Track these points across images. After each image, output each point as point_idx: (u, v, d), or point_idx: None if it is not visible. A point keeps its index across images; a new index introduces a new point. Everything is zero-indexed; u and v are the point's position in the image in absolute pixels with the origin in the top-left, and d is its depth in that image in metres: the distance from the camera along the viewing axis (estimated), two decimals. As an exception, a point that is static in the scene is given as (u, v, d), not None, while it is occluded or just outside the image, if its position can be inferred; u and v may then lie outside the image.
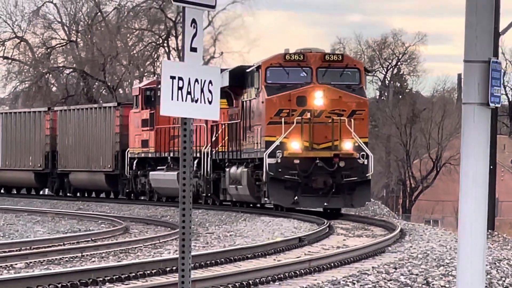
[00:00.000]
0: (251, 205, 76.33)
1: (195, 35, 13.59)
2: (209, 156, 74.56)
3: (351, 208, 72.49)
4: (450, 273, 36.19)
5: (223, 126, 77.15)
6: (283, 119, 67.31)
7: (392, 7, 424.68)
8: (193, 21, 13.66)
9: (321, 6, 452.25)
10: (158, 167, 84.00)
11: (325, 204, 68.04)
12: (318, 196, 67.55)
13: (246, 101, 72.90)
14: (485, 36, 16.95)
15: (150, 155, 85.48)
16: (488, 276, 37.55)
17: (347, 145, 67.35)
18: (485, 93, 16.30)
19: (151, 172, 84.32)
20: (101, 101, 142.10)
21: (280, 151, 67.17)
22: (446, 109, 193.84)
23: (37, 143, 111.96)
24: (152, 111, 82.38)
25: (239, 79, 75.46)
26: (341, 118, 67.09)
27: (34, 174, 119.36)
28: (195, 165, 75.40)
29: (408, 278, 38.99)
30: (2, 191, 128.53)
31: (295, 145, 67.30)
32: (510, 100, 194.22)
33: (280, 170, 67.56)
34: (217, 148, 75.81)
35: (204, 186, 77.11)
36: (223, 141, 76.09)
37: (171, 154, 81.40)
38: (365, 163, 67.44)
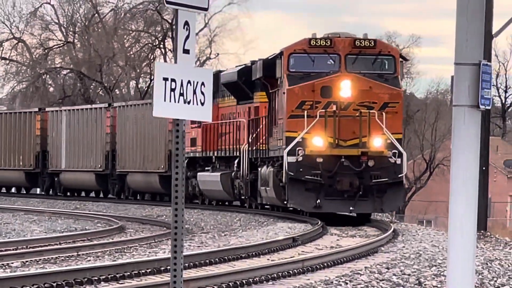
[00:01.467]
0: (280, 209, 72.39)
1: (187, 37, 13.63)
2: (246, 155, 71.82)
3: (381, 213, 69.71)
4: (442, 273, 35.88)
5: (259, 122, 73.49)
6: (305, 112, 63.85)
7: (387, 9, 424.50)
8: (186, 23, 13.71)
9: (316, 8, 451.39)
10: (206, 168, 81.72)
11: (351, 208, 64.15)
12: (343, 199, 63.87)
13: (272, 92, 69.57)
14: (475, 38, 16.97)
15: (197, 155, 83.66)
16: (480, 276, 37.68)
17: (377, 142, 64.07)
18: (475, 96, 16.33)
19: (199, 173, 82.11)
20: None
21: (301, 148, 64.14)
22: (440, 111, 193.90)
23: (98, 142, 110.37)
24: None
25: (274, 69, 69.07)
26: (371, 111, 63.97)
27: (25, 174, 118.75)
28: (235, 164, 74.20)
29: (400, 278, 39.08)
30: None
31: (318, 142, 64.13)
32: (503, 102, 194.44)
33: (301, 169, 64.24)
34: (252, 146, 72.94)
35: (244, 187, 73.97)
36: (258, 138, 72.86)
37: (216, 154, 79.61)
38: (398, 162, 63.35)
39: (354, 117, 64.08)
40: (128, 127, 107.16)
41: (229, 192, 74.49)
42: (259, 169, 70.11)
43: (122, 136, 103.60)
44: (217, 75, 77.15)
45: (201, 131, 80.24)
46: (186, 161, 79.65)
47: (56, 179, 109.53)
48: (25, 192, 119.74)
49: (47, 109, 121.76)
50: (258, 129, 70.78)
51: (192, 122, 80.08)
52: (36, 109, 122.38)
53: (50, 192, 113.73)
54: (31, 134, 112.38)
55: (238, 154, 73.39)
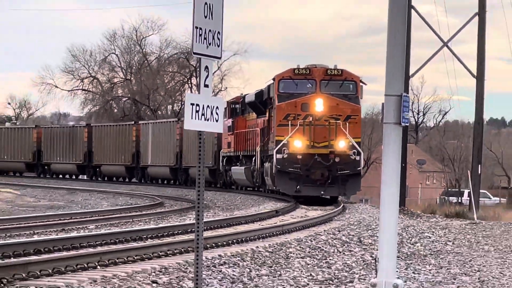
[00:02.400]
0: (279, 193, 70.01)
1: (207, 76, 13.66)
2: (259, 154, 70.03)
3: (343, 196, 68.62)
4: (375, 234, 35.98)
5: (266, 130, 71.29)
6: (289, 122, 62.92)
7: (343, 58, 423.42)
8: (206, 67, 13.72)
9: (295, 56, 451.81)
10: (236, 163, 79.75)
11: (322, 192, 62.96)
12: (316, 186, 62.82)
13: (269, 108, 68.15)
14: (398, 78, 17.47)
15: (231, 154, 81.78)
16: (400, 237, 36.90)
17: (341, 144, 62.62)
18: (398, 116, 16.73)
19: (232, 167, 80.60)
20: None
21: (286, 148, 62.96)
22: (374, 126, 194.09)
23: (171, 146, 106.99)
24: (234, 120, 79.48)
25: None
26: (337, 121, 62.83)
27: (125, 168, 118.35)
28: (253, 161, 73.00)
29: (347, 238, 38.56)
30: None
31: (298, 144, 62.99)
32: (416, 120, 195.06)
33: (286, 164, 63.10)
34: (262, 148, 70.37)
35: (258, 177, 72.32)
36: (265, 142, 70.52)
37: (242, 153, 77.76)
38: (357, 159, 62.90)
39: (325, 125, 62.89)
40: (188, 136, 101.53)
41: (250, 180, 74.17)
42: (264, 164, 68.47)
43: (185, 141, 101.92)
44: (244, 97, 78.65)
45: (234, 137, 79.09)
46: (225, 159, 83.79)
47: (145, 171, 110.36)
48: (127, 181, 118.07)
49: (139, 122, 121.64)
50: (265, 135, 69.53)
51: (229, 130, 79.62)
52: (132, 122, 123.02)
53: (142, 180, 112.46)
54: (129, 139, 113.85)
55: (254, 154, 72.07)
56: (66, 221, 44.74)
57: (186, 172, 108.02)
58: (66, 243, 28.65)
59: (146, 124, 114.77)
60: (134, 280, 20.79)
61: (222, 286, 22.03)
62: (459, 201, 70.09)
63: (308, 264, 28.97)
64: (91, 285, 19.58)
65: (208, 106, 13.35)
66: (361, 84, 64.54)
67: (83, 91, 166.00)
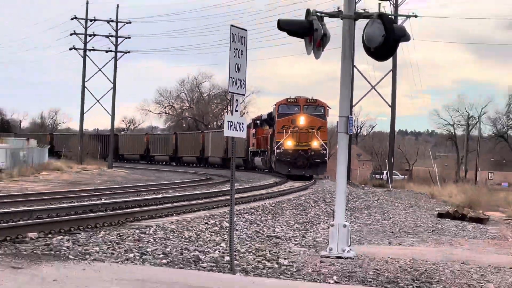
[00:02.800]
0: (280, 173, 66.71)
1: (237, 105, 13.58)
2: (269, 149, 67.05)
3: (315, 175, 64.61)
4: (333, 196, 34.48)
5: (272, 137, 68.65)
6: (284, 130, 61.84)
7: (312, 94, 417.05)
8: (236, 100, 13.65)
9: (288, 94, 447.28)
10: (257, 156, 76.20)
11: (303, 172, 61.42)
12: (300, 168, 61.46)
13: (273, 123, 64.96)
14: (346, 104, 17.44)
15: (254, 150, 78.08)
16: (347, 198, 34.68)
17: (315, 144, 61.39)
18: (346, 128, 16.59)
19: (255, 158, 76.99)
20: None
21: (282, 146, 62.03)
22: (333, 134, 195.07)
23: (221, 145, 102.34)
24: (256, 129, 76.13)
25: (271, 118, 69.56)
26: (313, 130, 61.51)
27: (196, 158, 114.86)
28: (266, 154, 70.37)
29: (317, 198, 38.57)
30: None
31: (289, 143, 61.67)
32: (357, 131, 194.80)
33: (281, 155, 62.24)
34: (270, 146, 67.45)
35: (268, 163, 69.47)
36: (272, 143, 66.40)
37: (261, 149, 74.38)
38: (324, 153, 62.31)
39: (305, 132, 61.41)
40: (228, 139, 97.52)
41: (264, 165, 71.01)
42: (271, 156, 65.62)
43: (228, 143, 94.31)
44: (261, 116, 75.74)
45: (256, 140, 76.79)
46: (251, 153, 79.96)
47: (207, 160, 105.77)
48: (196, 166, 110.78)
49: (204, 131, 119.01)
50: (272, 139, 66.59)
51: (253, 136, 77.40)
52: (200, 131, 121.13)
53: (205, 166, 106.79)
54: (198, 141, 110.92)
55: (266, 150, 69.35)
56: (155, 188, 44.77)
57: (229, 161, 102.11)
58: (155, 201, 29.63)
59: (207, 132, 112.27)
60: (195, 222, 21.34)
61: (245, 225, 22.78)
62: (381, 177, 70.69)
63: (294, 213, 29.53)
64: (169, 224, 20.07)
65: (237, 122, 13.15)
66: (327, 108, 63.36)
67: (166, 114, 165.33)
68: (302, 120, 62.66)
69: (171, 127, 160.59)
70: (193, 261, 13.73)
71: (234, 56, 13.29)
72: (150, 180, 61.81)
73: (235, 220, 15.76)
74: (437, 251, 19.73)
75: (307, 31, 15.56)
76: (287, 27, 15.88)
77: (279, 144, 62.87)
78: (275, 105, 65.86)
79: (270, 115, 69.99)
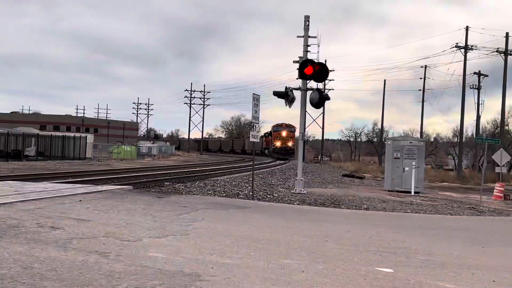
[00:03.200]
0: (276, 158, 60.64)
1: (256, 127, 13.68)
2: (270, 147, 62.82)
3: (289, 158, 58.03)
4: (296, 167, 29.02)
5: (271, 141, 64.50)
6: (276, 138, 59.86)
7: (277, 114, 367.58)
8: (254, 125, 13.70)
9: (279, 121, 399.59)
10: (266, 150, 67.72)
11: (286, 157, 57.73)
12: (283, 155, 58.52)
13: (271, 135, 63.23)
14: (303, 127, 16.65)
15: (265, 147, 67.92)
16: (304, 168, 29.04)
17: (290, 144, 58.81)
18: (303, 137, 16.28)
19: (265, 150, 67.78)
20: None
21: (274, 145, 60.20)
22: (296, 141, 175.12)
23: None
24: (265, 138, 68.32)
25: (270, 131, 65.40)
26: (288, 138, 59.09)
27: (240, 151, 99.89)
28: (269, 149, 64.57)
29: (289, 168, 34.23)
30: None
31: (278, 143, 59.43)
32: (307, 138, 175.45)
33: (275, 149, 60.00)
34: (270, 146, 63.80)
35: (269, 153, 63.82)
36: (272, 144, 63.56)
37: (267, 147, 66.76)
38: (293, 148, 57.89)
39: (285, 139, 59.84)
40: (254, 143, 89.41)
41: (268, 154, 64.50)
42: (271, 149, 63.05)
43: (257, 144, 76.54)
44: (266, 132, 70.72)
45: (265, 143, 68.76)
46: (265, 149, 69.90)
47: (245, 151, 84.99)
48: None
49: (245, 138, 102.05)
50: (271, 142, 63.96)
51: (265, 141, 69.04)
52: (242, 138, 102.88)
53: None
54: (241, 142, 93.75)
55: (269, 147, 64.61)
56: (221, 162, 43.36)
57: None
58: (217, 171, 27.81)
59: (245, 139, 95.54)
60: (237, 178, 20.55)
61: (258, 178, 21.28)
62: (318, 159, 68.16)
63: (280, 174, 27.79)
64: (226, 178, 19.55)
65: (255, 135, 13.56)
66: (295, 127, 59.55)
67: (226, 130, 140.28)
68: (284, 134, 60.52)
69: (229, 137, 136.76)
70: (236, 195, 13.80)
71: (254, 106, 13.50)
72: (219, 160, 58.80)
73: (255, 177, 17.28)
74: (342, 190, 19.35)
75: (285, 96, 15.98)
76: (276, 94, 16.24)
77: (274, 144, 60.83)
78: (272, 126, 64.68)
79: (270, 131, 67.09)
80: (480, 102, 41.18)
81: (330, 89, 62.61)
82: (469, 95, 47.34)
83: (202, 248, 5.30)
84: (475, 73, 42.28)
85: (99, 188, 11.68)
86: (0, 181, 12.48)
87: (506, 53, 36.67)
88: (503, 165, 13.73)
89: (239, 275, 4.22)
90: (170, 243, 5.48)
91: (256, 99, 13.68)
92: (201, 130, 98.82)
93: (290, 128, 61.68)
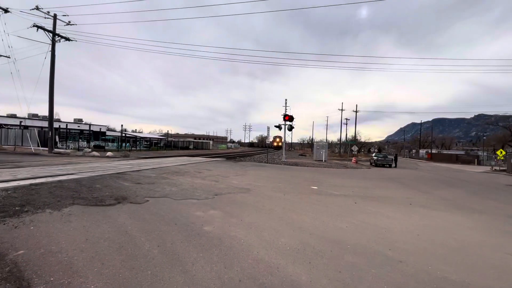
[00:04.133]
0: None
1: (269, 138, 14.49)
2: (272, 145, 47.71)
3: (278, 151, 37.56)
4: (280, 154, 25.07)
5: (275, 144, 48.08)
6: (275, 141, 46.58)
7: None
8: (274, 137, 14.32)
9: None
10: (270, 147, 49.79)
11: (278, 151, 38.77)
12: (276, 150, 42.44)
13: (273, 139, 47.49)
14: (284, 137, 14.89)
15: (274, 146, 48.07)
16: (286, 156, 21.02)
17: (280, 144, 45.59)
18: (284, 141, 13.89)
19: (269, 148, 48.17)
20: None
21: (272, 144, 47.10)
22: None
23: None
24: (271, 141, 50.11)
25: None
26: (279, 141, 46.21)
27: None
28: (272, 146, 49.20)
29: (279, 154, 20.90)
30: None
31: (274, 144, 46.31)
32: (286, 142, 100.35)
33: (273, 147, 46.94)
34: (273, 146, 48.33)
35: (271, 148, 47.84)
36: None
37: (271, 146, 48.46)
38: (281, 146, 43.19)
39: (277, 141, 46.93)
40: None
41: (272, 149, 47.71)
42: (272, 147, 47.60)
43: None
44: (272, 138, 51.01)
45: (272, 143, 50.69)
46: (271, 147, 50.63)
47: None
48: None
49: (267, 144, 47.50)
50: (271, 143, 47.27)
51: (271, 142, 50.04)
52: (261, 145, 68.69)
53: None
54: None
55: (272, 146, 48.17)
56: (253, 152, 29.89)
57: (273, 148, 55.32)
58: (255, 154, 21.96)
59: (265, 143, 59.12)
60: (259, 156, 17.93)
61: (267, 156, 18.31)
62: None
63: (276, 156, 20.90)
64: (253, 158, 16.65)
65: (268, 142, 13.06)
66: (281, 137, 46.33)
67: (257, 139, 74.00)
68: (277, 139, 47.88)
69: (260, 141, 72.16)
70: (259, 162, 13.69)
71: (268, 131, 14.59)
72: (257, 151, 32.96)
73: (266, 156, 16.80)
74: (298, 161, 16.13)
75: (279, 127, 15.61)
76: (276, 126, 15.63)
77: (272, 144, 48.58)
78: (273, 137, 50.48)
79: (274, 137, 52.21)
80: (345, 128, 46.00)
81: (292, 128, 47.74)
82: (342, 126, 41.19)
83: (250, 179, 7.44)
84: (346, 119, 39.27)
85: (214, 159, 13.68)
86: (180, 156, 14.72)
87: (356, 111, 36.11)
88: (355, 151, 17.87)
89: (262, 188, 6.31)
90: (239, 178, 7.62)
91: (268, 129, 16.35)
92: (247, 139, 73.14)
93: (280, 137, 50.92)
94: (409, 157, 39.12)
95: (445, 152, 34.65)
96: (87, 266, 2.59)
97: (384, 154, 18.46)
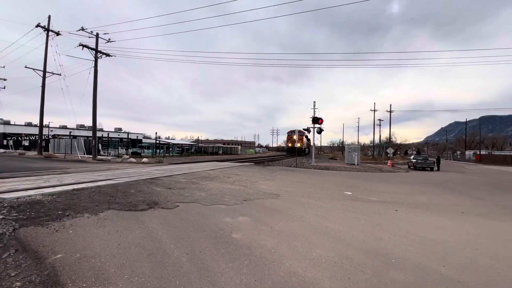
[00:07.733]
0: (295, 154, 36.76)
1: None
2: (289, 147, 39.26)
3: (300, 156, 33.89)
4: (309, 157, 22.80)
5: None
6: (291, 139, 35.97)
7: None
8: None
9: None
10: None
11: (293, 155, 33.18)
12: (295, 153, 33.45)
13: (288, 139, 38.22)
14: (313, 140, 16.17)
15: (290, 145, 38.27)
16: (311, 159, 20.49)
17: (298, 145, 33.53)
18: (314, 144, 13.63)
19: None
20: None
21: (287, 145, 37.64)
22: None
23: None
24: (288, 136, 40.71)
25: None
26: (297, 140, 33.11)
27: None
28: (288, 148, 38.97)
29: (307, 157, 24.44)
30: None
31: (289, 145, 36.16)
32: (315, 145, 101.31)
33: (289, 148, 36.56)
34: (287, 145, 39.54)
35: (287, 151, 38.39)
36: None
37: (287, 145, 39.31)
38: (305, 149, 36.04)
39: (296, 141, 34.78)
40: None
41: (287, 152, 39.79)
42: (288, 148, 38.03)
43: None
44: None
45: (287, 141, 40.37)
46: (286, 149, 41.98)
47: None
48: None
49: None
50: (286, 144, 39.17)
51: (287, 142, 40.44)
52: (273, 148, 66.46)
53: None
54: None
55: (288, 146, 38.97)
56: (274, 156, 29.10)
57: (289, 150, 47.21)
58: (283, 159, 21.12)
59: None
60: (286, 160, 16.45)
61: (290, 160, 17.59)
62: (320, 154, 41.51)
63: (306, 161, 18.63)
64: (279, 162, 16.16)
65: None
66: (306, 133, 38.08)
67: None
68: (295, 137, 38.17)
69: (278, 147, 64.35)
70: (288, 166, 13.15)
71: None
72: (282, 155, 32.68)
73: (294, 160, 15.78)
74: (329, 164, 15.89)
75: (308, 131, 15.36)
76: (304, 129, 15.43)
77: (287, 145, 40.95)
78: (287, 133, 41.81)
79: (287, 136, 43.84)
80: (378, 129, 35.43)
81: (322, 128, 42.81)
82: (375, 127, 36.40)
83: (279, 184, 7.20)
84: (379, 119, 37.66)
85: (242, 163, 13.25)
86: (209, 161, 14.48)
87: (390, 111, 32.70)
88: (391, 154, 16.64)
89: (292, 194, 6.06)
90: (268, 182, 7.47)
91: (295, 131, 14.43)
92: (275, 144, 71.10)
93: (301, 133, 41.29)
94: (453, 159, 36.31)
95: (496, 153, 31.59)
96: (117, 273, 2.67)
97: (425, 156, 17.46)
